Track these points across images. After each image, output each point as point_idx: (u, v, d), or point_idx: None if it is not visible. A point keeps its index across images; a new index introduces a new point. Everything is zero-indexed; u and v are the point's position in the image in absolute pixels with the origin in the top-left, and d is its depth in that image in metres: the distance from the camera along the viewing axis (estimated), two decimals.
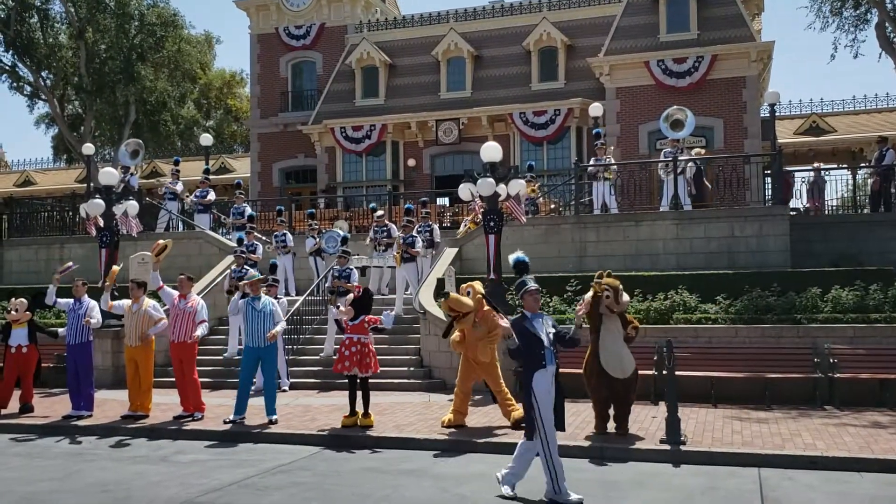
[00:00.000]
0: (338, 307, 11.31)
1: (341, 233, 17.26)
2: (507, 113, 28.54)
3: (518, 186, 14.66)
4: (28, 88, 38.49)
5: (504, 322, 7.71)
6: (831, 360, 12.12)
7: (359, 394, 10.87)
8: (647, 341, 12.24)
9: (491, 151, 14.13)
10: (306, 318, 16.14)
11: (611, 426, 10.07)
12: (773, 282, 14.20)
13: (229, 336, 15.81)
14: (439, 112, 29.64)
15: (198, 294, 13.74)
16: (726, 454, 8.98)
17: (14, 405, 12.62)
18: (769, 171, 18.71)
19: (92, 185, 21.42)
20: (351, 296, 11.21)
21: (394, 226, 17.54)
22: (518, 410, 10.10)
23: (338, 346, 11.44)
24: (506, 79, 29.83)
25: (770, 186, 18.65)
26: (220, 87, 53.24)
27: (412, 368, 14.54)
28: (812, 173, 20.85)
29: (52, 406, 13.22)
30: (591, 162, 19.36)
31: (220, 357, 15.69)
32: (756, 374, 12.33)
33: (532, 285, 7.81)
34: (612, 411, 10.09)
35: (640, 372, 10.39)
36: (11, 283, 20.54)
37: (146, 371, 11.90)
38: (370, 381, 11.06)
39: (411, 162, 30.42)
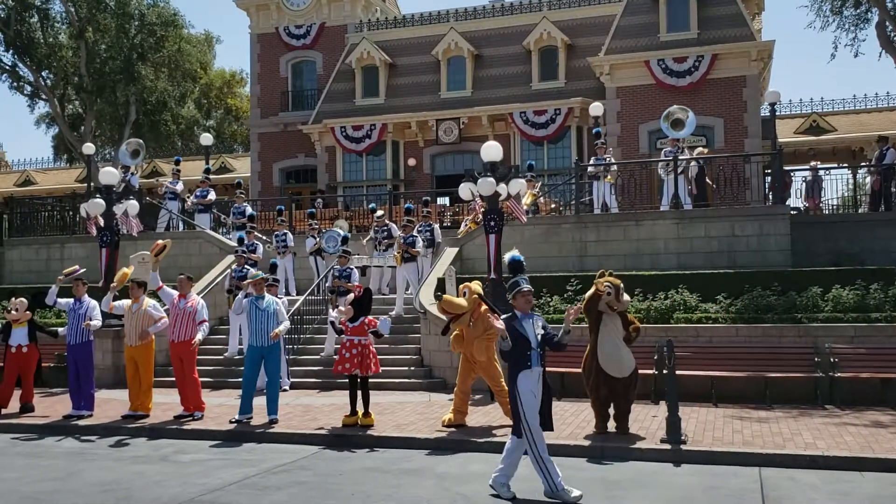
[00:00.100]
0: (338, 307, 11.31)
1: (342, 232, 17.25)
2: (507, 112, 28.53)
3: (518, 186, 14.65)
4: (28, 88, 38.49)
5: (499, 323, 7.72)
6: (832, 360, 12.12)
7: (359, 393, 10.87)
8: (647, 341, 12.23)
9: (491, 151, 14.12)
10: (307, 318, 16.13)
11: (611, 425, 10.07)
12: (773, 281, 14.20)
13: (230, 336, 15.81)
14: (439, 111, 29.64)
15: (198, 294, 13.76)
16: (727, 453, 8.98)
17: (15, 405, 12.63)
18: (769, 171, 18.71)
19: (92, 184, 21.46)
20: (351, 295, 11.21)
21: (394, 225, 17.54)
22: None
23: (338, 347, 11.44)
24: (506, 78, 29.83)
25: (769, 185, 18.64)
26: (221, 87, 53.26)
27: (413, 368, 14.54)
28: (809, 172, 20.85)
29: (53, 406, 13.22)
30: (592, 161, 19.36)
31: (221, 357, 15.69)
32: (757, 374, 12.33)
33: (525, 286, 7.84)
34: (612, 410, 10.10)
35: (640, 371, 10.40)
36: (12, 283, 20.53)
37: (146, 371, 11.90)
38: (371, 380, 11.06)
39: (411, 161, 30.41)
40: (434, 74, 30.76)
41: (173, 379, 12.36)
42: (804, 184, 20.56)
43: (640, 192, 18.49)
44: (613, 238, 17.06)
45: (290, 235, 19.01)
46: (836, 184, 29.79)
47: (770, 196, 17.97)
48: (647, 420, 10.79)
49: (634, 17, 27.55)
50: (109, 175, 16.08)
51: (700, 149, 20.26)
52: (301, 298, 16.31)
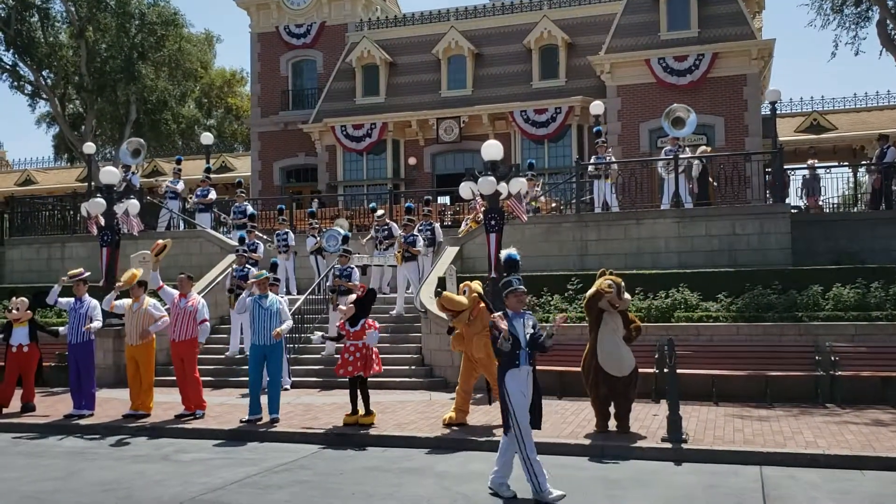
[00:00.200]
0: (338, 306, 11.30)
1: (342, 231, 17.25)
2: (507, 111, 28.52)
3: (519, 185, 14.64)
4: (29, 88, 38.49)
5: (503, 324, 7.69)
6: (833, 358, 12.11)
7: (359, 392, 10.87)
8: (648, 339, 12.23)
9: (492, 150, 14.11)
10: (308, 318, 16.13)
11: (612, 424, 10.07)
12: (774, 280, 14.20)
13: (231, 335, 15.82)
14: (440, 110, 29.63)
15: (198, 293, 13.76)
16: (728, 452, 8.97)
17: (16, 404, 12.64)
18: (770, 169, 18.70)
19: (93, 184, 21.48)
20: (353, 295, 11.19)
21: (395, 224, 17.53)
22: None
23: (340, 347, 11.44)
24: (506, 77, 29.81)
25: (769, 184, 18.62)
26: (221, 86, 53.24)
27: (414, 367, 14.55)
28: (807, 171, 20.83)
29: (54, 405, 13.23)
30: (592, 160, 19.35)
31: (222, 356, 15.70)
32: (757, 372, 12.32)
33: (519, 286, 7.85)
34: (612, 409, 10.09)
35: (641, 370, 10.40)
36: (13, 283, 20.53)
37: (147, 370, 11.90)
38: (372, 379, 11.06)
39: (412, 160, 30.40)
40: (434, 73, 30.75)
41: (174, 378, 12.37)
42: (803, 181, 20.55)
43: (641, 190, 18.48)
44: (614, 237, 17.06)
45: (291, 235, 18.98)
46: (837, 182, 29.77)
47: (770, 194, 17.96)
48: (648, 419, 10.79)
49: (635, 15, 27.53)
50: (110, 174, 16.08)
51: (703, 147, 20.24)
52: (302, 298, 16.31)
